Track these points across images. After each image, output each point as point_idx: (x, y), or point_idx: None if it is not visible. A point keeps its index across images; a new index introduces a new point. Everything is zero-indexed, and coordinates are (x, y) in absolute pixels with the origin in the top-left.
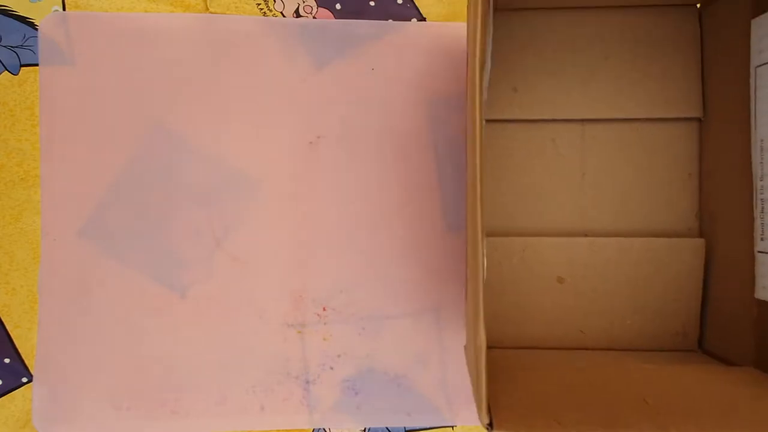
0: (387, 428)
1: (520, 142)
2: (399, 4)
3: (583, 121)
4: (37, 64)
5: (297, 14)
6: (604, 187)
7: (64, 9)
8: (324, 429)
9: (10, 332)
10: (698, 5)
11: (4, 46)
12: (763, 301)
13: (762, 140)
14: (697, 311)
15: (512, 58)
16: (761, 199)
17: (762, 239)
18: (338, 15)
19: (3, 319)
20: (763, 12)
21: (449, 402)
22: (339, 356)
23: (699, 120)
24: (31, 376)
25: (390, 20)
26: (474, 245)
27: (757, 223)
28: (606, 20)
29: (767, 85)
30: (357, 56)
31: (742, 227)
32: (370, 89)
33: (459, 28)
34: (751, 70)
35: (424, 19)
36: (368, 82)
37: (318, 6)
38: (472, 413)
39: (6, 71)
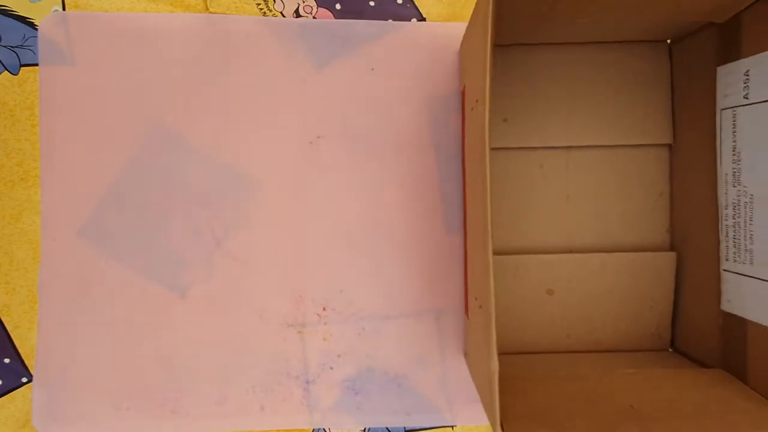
0: (387, 428)
1: (511, 168)
2: (399, 4)
3: (567, 148)
4: (36, 64)
5: (297, 14)
6: (587, 207)
7: (63, 9)
8: (324, 429)
9: (9, 332)
10: (669, 41)
11: (4, 46)
12: (728, 312)
13: (726, 174)
14: (669, 316)
15: (503, 91)
16: (726, 225)
17: (727, 259)
18: (338, 15)
19: (3, 319)
20: (728, 61)
21: (449, 402)
22: (339, 356)
23: (669, 146)
24: (31, 376)
25: (390, 20)
26: (485, 274)
27: (723, 245)
28: (588, 55)
29: (730, 126)
30: (357, 56)
31: (709, 244)
32: (370, 89)
33: (459, 28)
34: (717, 111)
35: (424, 19)
36: (368, 82)
37: (318, 6)
38: (472, 413)
39: (6, 71)
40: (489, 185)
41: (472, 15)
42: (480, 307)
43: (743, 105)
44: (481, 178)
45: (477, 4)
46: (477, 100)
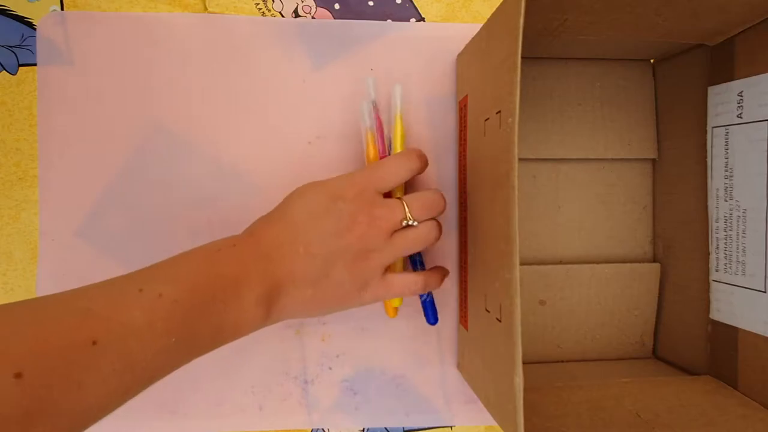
0: (386, 428)
1: None
2: (398, 5)
3: (558, 160)
4: (35, 64)
5: (296, 14)
6: (576, 218)
7: (62, 8)
8: (322, 429)
9: None
10: (652, 61)
11: (3, 46)
12: (717, 321)
13: (717, 189)
14: (652, 325)
15: None
16: (716, 238)
17: (717, 270)
18: (337, 15)
19: None
20: (720, 82)
21: (448, 402)
22: (338, 356)
23: (653, 160)
24: None
25: (389, 20)
26: (508, 289)
27: (713, 257)
28: (579, 71)
29: (723, 143)
30: (356, 56)
31: (696, 256)
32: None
33: (458, 29)
34: (708, 129)
35: (422, 20)
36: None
37: (317, 6)
38: (470, 413)
39: (4, 71)
40: (516, 211)
41: (482, 29)
42: (498, 320)
43: (736, 124)
44: (504, 198)
45: (495, 20)
46: (499, 113)
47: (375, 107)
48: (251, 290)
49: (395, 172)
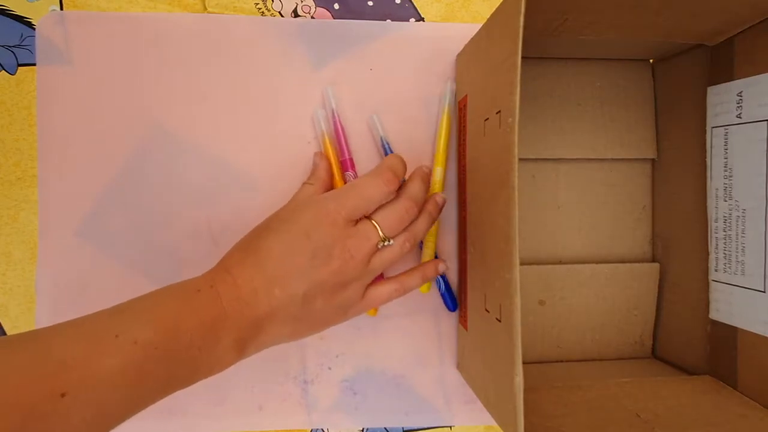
0: (385, 428)
1: None
2: (397, 5)
3: (558, 160)
4: (34, 64)
5: (295, 14)
6: (576, 218)
7: (61, 8)
8: (322, 429)
9: (7, 332)
10: (651, 61)
11: (2, 46)
12: (716, 321)
13: (717, 189)
14: (652, 325)
15: None
16: (716, 237)
17: (716, 270)
18: (336, 15)
19: (0, 320)
20: (720, 82)
21: (447, 402)
22: (337, 356)
23: (653, 160)
24: None
25: (388, 20)
26: (508, 290)
27: (712, 256)
28: (579, 71)
29: (722, 143)
30: (355, 56)
31: (695, 256)
32: (369, 89)
33: (457, 29)
34: (707, 129)
35: (422, 19)
36: (367, 82)
37: (316, 6)
38: (470, 413)
39: (3, 71)
40: (516, 211)
41: (482, 29)
42: (498, 320)
43: (736, 124)
44: (504, 198)
45: (495, 20)
46: (499, 113)
47: (335, 114)
48: (228, 334)
49: (368, 198)
